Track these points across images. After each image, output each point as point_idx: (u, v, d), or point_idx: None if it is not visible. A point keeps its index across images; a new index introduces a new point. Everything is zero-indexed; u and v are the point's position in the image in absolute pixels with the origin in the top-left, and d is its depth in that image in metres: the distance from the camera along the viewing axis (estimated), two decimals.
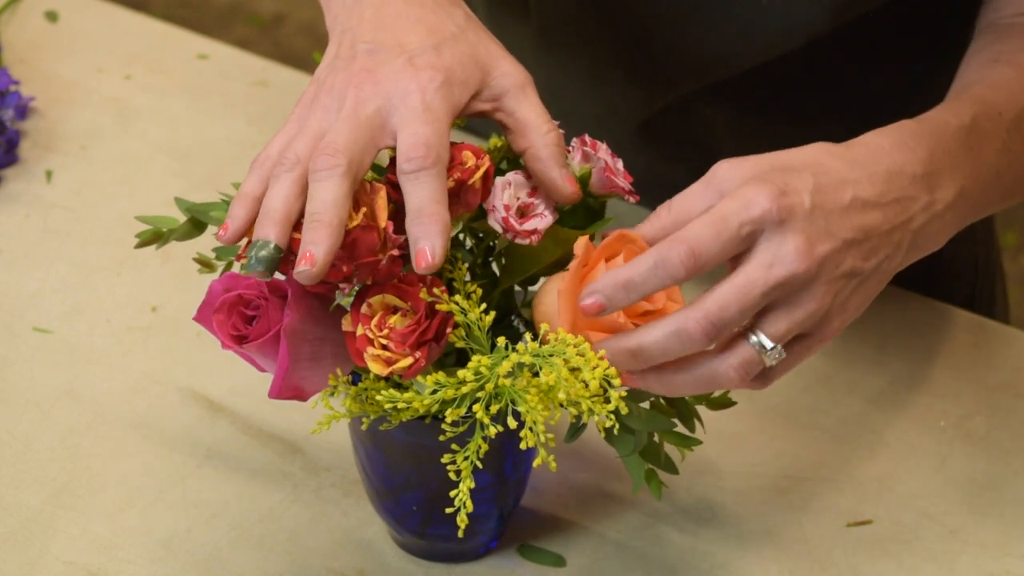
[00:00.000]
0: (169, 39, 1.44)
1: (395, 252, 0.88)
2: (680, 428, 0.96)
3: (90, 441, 1.10)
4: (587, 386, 0.86)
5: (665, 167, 1.23)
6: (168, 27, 1.45)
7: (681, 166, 1.25)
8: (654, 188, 1.19)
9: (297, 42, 2.82)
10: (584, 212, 0.96)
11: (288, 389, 0.90)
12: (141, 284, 1.21)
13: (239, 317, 0.90)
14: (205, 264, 0.98)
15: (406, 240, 0.89)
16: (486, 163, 0.90)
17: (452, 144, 0.92)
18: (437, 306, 0.88)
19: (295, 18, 2.87)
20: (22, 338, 1.17)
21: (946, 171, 0.91)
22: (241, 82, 1.39)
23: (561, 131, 0.97)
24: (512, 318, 0.97)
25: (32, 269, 1.23)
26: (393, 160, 0.91)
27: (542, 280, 0.94)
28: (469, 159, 0.90)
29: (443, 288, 0.88)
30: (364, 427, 0.97)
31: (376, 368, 0.87)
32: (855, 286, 0.88)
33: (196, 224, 0.97)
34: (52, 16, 1.45)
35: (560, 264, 0.94)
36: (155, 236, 0.97)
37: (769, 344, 0.86)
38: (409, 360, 0.87)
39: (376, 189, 0.89)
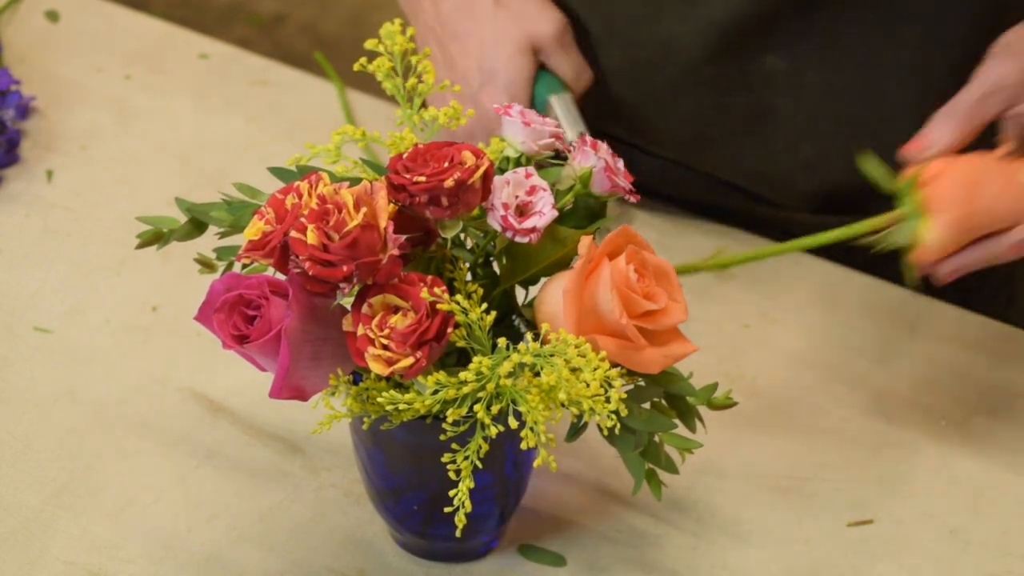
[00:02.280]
0: (169, 39, 1.44)
1: (395, 252, 0.88)
2: (681, 428, 0.96)
3: (90, 441, 1.10)
4: (588, 386, 0.86)
5: (713, 117, 1.22)
6: (168, 27, 1.45)
7: (730, 117, 1.23)
8: (696, 143, 1.17)
9: (297, 42, 2.82)
10: (584, 212, 0.96)
11: (288, 389, 0.90)
12: (141, 284, 1.21)
13: (240, 317, 0.90)
14: (205, 264, 0.98)
15: (406, 240, 0.89)
16: (485, 163, 0.90)
17: (451, 144, 0.92)
18: (438, 306, 0.88)
19: (295, 18, 2.87)
20: (22, 338, 1.17)
21: None
22: (241, 82, 1.39)
23: (561, 131, 0.97)
24: (513, 318, 0.97)
25: (32, 269, 1.23)
26: (395, 158, 0.91)
27: (543, 280, 0.94)
28: (469, 159, 0.90)
29: (443, 288, 0.88)
30: (365, 427, 0.97)
31: (377, 368, 0.87)
32: None
33: (197, 224, 0.97)
34: (52, 16, 1.45)
35: (560, 264, 0.94)
36: (156, 236, 0.97)
37: None
38: (410, 360, 0.87)
39: (376, 189, 0.89)
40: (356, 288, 0.89)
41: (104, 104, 1.37)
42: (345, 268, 0.86)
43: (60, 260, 1.23)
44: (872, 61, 1.18)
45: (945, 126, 1.03)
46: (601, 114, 1.25)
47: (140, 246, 0.97)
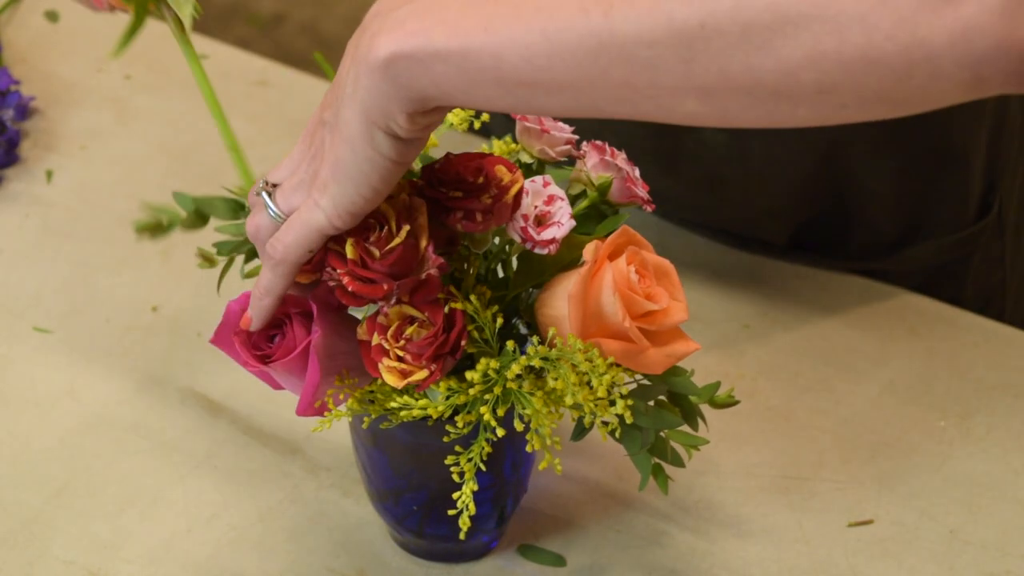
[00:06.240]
0: (169, 39, 1.43)
1: (433, 271, 0.86)
2: (683, 427, 0.96)
3: (90, 441, 1.10)
4: (592, 389, 0.86)
5: (665, 183, 1.20)
6: (168, 27, 1.45)
7: (682, 183, 1.22)
8: (657, 199, 1.17)
9: (297, 42, 2.82)
10: (598, 219, 0.96)
11: (314, 407, 0.89)
12: (141, 284, 1.21)
13: (260, 336, 0.89)
14: (206, 258, 0.98)
15: (441, 254, 0.87)
16: (520, 179, 0.89)
17: (482, 156, 0.89)
18: (450, 304, 0.87)
19: (295, 18, 2.87)
20: (22, 338, 1.17)
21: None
22: (241, 82, 1.39)
23: (576, 136, 0.96)
24: (514, 320, 0.97)
25: (32, 269, 1.23)
26: (427, 168, 0.89)
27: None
28: (505, 175, 0.88)
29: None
30: (365, 426, 0.97)
31: (391, 380, 0.86)
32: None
33: (200, 215, 0.97)
34: (52, 16, 1.45)
35: (565, 267, 0.94)
36: (154, 225, 0.97)
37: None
38: (425, 373, 0.86)
39: (417, 206, 0.87)
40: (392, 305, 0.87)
41: (104, 104, 1.37)
42: (386, 286, 0.85)
43: (60, 260, 1.23)
44: (814, 130, 1.16)
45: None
46: None
47: (138, 231, 0.97)
